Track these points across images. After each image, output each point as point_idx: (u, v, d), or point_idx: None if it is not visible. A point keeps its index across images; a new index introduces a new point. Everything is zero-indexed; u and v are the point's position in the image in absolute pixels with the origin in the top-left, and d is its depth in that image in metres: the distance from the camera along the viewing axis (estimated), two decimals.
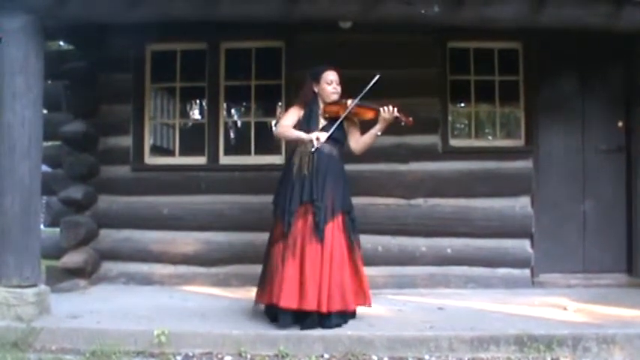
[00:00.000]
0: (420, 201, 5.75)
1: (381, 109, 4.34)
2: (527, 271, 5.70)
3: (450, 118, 6.00)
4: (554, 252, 5.77)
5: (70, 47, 6.33)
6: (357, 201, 5.65)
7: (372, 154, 5.63)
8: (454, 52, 5.90)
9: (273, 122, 6.76)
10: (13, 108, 4.44)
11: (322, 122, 4.46)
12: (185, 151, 6.30)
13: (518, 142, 5.88)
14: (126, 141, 6.02)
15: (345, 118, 4.43)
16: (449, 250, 5.71)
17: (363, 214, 5.64)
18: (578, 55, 5.83)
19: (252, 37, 5.85)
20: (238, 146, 8.18)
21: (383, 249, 5.73)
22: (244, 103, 10.04)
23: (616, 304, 4.85)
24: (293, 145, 4.59)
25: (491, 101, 6.18)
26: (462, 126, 11.02)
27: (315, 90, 4.49)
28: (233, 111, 10.85)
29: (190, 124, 8.98)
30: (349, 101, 4.42)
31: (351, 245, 4.35)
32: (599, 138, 5.84)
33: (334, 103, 4.48)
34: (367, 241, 5.68)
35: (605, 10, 4.32)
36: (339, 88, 4.49)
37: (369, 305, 4.44)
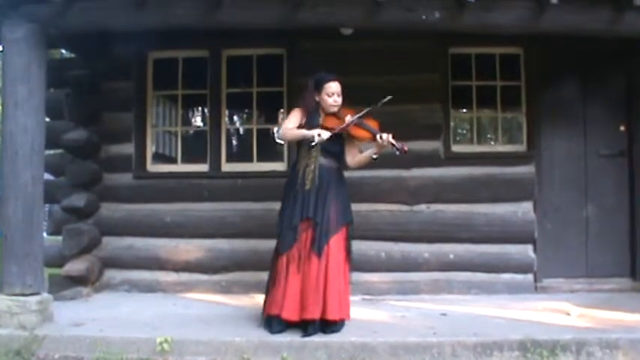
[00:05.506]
0: (422, 207, 5.75)
1: (378, 135, 4.29)
2: (530, 277, 5.68)
3: (452, 123, 5.99)
4: (557, 257, 5.76)
5: (72, 55, 6.36)
6: (359, 207, 5.67)
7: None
8: (456, 58, 5.90)
9: (275, 129, 6.73)
10: (15, 116, 4.45)
11: None
12: (187, 159, 6.32)
13: (520, 148, 5.87)
14: (128, 149, 6.02)
15: (344, 132, 4.40)
16: (452, 256, 5.70)
17: (366, 221, 5.65)
18: (580, 59, 5.84)
19: (254, 44, 5.86)
20: (240, 153, 8.19)
21: (386, 255, 5.72)
22: (246, 110, 10.06)
23: (619, 309, 4.84)
24: (297, 155, 4.56)
25: (493, 106, 6.18)
26: (464, 131, 11.01)
27: (317, 99, 4.46)
28: (235, 118, 10.88)
29: (192, 131, 8.98)
30: (348, 117, 4.38)
31: (348, 257, 4.43)
32: (601, 142, 5.83)
33: (334, 115, 4.44)
34: (370, 247, 5.70)
35: (606, 16, 4.31)
36: (339, 100, 4.44)
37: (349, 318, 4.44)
